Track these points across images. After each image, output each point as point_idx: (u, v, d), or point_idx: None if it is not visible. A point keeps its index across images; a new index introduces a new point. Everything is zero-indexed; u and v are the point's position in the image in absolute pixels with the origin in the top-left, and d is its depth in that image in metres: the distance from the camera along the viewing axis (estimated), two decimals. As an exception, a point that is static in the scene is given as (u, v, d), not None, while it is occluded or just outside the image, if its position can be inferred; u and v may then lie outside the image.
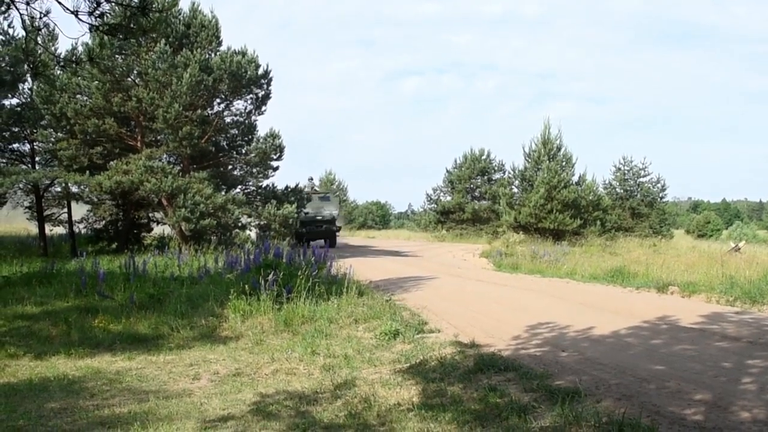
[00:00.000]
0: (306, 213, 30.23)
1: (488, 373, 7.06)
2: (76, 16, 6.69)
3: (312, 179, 36.53)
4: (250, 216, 24.58)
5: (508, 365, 7.32)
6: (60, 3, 6.56)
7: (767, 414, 5.52)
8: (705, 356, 7.67)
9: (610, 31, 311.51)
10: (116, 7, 6.99)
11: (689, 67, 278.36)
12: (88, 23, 6.85)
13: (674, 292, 13.77)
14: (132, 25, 7.06)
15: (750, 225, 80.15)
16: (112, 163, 23.03)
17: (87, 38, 22.85)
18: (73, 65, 17.92)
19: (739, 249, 22.53)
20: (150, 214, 27.65)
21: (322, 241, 32.51)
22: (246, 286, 11.34)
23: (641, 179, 38.79)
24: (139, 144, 23.90)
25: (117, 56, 22.70)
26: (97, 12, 6.67)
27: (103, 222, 27.39)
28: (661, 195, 39.33)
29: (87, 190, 23.91)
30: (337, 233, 35.18)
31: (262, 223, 24.89)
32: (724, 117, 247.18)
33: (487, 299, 13.30)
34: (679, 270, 16.07)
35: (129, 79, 23.49)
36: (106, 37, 8.38)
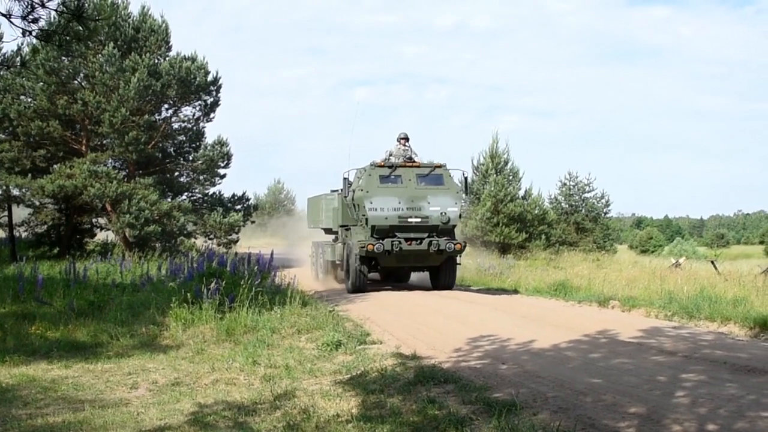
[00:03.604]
0: (376, 210, 16.70)
1: (428, 385, 7.09)
2: (9, 19, 6.56)
3: (406, 136, 18.43)
4: (195, 224, 24.36)
5: (448, 377, 7.37)
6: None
7: (697, 427, 5.63)
8: (641, 370, 7.80)
9: (559, 47, 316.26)
10: (52, 13, 6.86)
11: (635, 84, 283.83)
12: (21, 28, 6.72)
13: (615, 307, 13.98)
14: (67, 32, 6.94)
15: (690, 241, 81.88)
16: (55, 166, 22.71)
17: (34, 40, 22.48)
18: (7, 68, 17.61)
19: (680, 265, 22.96)
20: (93, 220, 27.19)
21: (422, 272, 19.01)
22: (188, 294, 11.22)
23: (586, 194, 39.26)
24: (84, 148, 23.56)
25: (63, 58, 22.34)
26: (31, 17, 6.54)
27: (45, 226, 26.83)
28: (605, 210, 39.85)
29: (29, 193, 23.49)
30: (459, 256, 17.80)
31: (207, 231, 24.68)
32: (667, 134, 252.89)
33: (430, 311, 13.35)
34: (620, 285, 16.31)
35: (75, 81, 23.21)
36: (39, 43, 8.18)
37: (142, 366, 8.85)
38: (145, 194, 21.95)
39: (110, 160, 24.15)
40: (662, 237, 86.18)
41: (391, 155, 18.07)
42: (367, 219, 16.73)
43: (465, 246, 17.63)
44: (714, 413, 6.00)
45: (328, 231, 21.02)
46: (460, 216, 18.39)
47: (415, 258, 17.29)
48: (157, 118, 24.55)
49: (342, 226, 18.91)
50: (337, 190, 19.50)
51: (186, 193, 26.31)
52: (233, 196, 26.44)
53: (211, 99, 25.29)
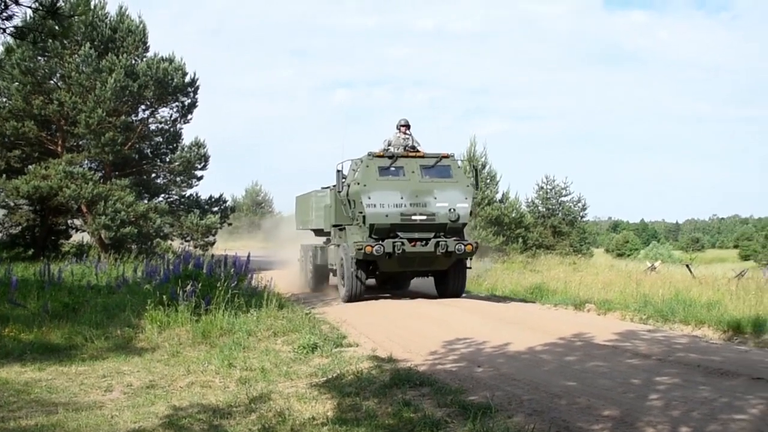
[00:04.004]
0: (375, 207, 14.97)
1: (404, 388, 7.10)
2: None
3: (407, 123, 16.79)
4: (172, 225, 24.22)
5: (423, 380, 7.39)
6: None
7: (670, 430, 5.68)
8: (616, 373, 7.85)
9: (541, 50, 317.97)
10: (28, 11, 6.80)
11: (615, 88, 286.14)
12: (-5, 25, 6.65)
13: (590, 310, 14.08)
14: (42, 29, 6.88)
15: (666, 245, 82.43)
16: (30, 167, 22.52)
17: (9, 39, 22.30)
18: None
19: (655, 268, 23.15)
20: (69, 221, 26.91)
21: (426, 277, 17.19)
22: (164, 296, 11.15)
23: (563, 198, 39.45)
24: (59, 149, 23.36)
25: (39, 58, 22.16)
26: (5, 14, 6.48)
27: (20, 228, 26.52)
28: (581, 214, 40.04)
29: (3, 194, 23.19)
30: (470, 259, 16.18)
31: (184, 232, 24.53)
32: (645, 138, 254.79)
33: (406, 314, 13.35)
34: (596, 288, 16.43)
35: (51, 81, 22.99)
36: (14, 42, 8.10)
37: (116, 369, 8.80)
38: (121, 196, 21.80)
39: (86, 161, 23.96)
40: (638, 241, 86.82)
41: (389, 145, 16.40)
42: (364, 217, 15.09)
43: (477, 247, 15.91)
44: (687, 416, 6.06)
45: (318, 232, 19.22)
46: (470, 213, 16.40)
47: (420, 261, 15.55)
48: (134, 119, 24.41)
49: (335, 226, 17.09)
50: (328, 187, 17.78)
51: (163, 195, 26.15)
52: (210, 198, 26.33)
53: (189, 100, 25.18)
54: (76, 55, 21.92)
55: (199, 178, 26.01)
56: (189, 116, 25.54)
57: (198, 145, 24.97)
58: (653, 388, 7.12)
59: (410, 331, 11.32)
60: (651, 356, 8.91)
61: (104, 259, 20.42)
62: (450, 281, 16.23)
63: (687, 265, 22.04)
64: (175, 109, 25.27)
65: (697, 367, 8.11)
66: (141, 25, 24.09)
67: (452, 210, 15.16)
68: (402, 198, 15.05)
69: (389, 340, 10.29)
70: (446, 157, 15.99)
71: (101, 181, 22.67)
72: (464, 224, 15.68)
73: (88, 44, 21.76)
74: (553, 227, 38.24)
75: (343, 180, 16.16)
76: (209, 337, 10.34)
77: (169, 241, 25.89)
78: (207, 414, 6.53)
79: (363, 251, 14.65)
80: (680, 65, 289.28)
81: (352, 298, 15.42)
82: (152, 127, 25.62)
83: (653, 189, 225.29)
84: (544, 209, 39.15)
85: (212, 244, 25.70)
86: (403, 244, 14.81)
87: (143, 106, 24.65)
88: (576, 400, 6.59)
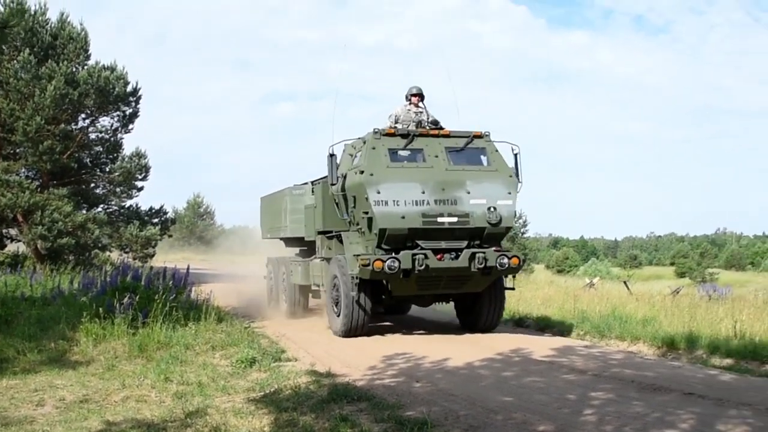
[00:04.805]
0: (387, 204, 11.22)
1: (341, 403, 7.09)
2: None
3: (420, 92, 12.88)
4: (110, 236, 23.83)
5: (361, 395, 7.39)
6: None
7: (603, 446, 5.78)
8: (552, 388, 7.95)
9: (482, 68, 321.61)
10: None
11: (555, 107, 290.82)
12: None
13: (529, 325, 14.23)
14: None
15: (605, 262, 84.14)
16: (-36, 175, 21.95)
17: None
18: None
19: (594, 285, 23.52)
20: (4, 231, 26.31)
21: (447, 302, 13.52)
22: (100, 308, 10.95)
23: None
24: (-5, 156, 22.85)
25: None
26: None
27: (-48, 237, 25.92)
28: (522, 230, 40.59)
29: (-65, 201, 22.63)
30: (513, 277, 12.59)
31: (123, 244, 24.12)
32: (585, 157, 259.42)
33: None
34: (535, 304, 16.60)
35: (-13, 88, 22.49)
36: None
37: (49, 382, 8.60)
38: (58, 205, 21.38)
39: (23, 170, 23.41)
40: (578, 257, 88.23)
41: (396, 121, 12.57)
42: (370, 219, 11.26)
43: (524, 261, 12.37)
44: (620, 431, 6.16)
45: (291, 242, 15.85)
46: (515, 214, 12.22)
47: (448, 282, 11.60)
48: (74, 127, 23.94)
49: (322, 233, 13.22)
50: (311, 182, 14.14)
51: (102, 205, 25.69)
52: (151, 209, 25.96)
53: (130, 110, 24.80)
54: (15, 61, 21.49)
55: (140, 189, 25.64)
56: (130, 126, 25.16)
57: (139, 155, 24.63)
58: (588, 403, 7.23)
59: (348, 345, 11.30)
60: (587, 372, 9.04)
61: (40, 269, 20.01)
62: (484, 308, 12.46)
63: (625, 282, 22.49)
64: (116, 119, 24.87)
65: (632, 383, 8.26)
66: (83, 33, 23.69)
67: (492, 209, 11.37)
68: (423, 192, 11.25)
69: (328, 355, 10.27)
70: (479, 136, 12.21)
71: (38, 190, 22.20)
72: (508, 229, 11.85)
73: (27, 50, 21.34)
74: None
75: (337, 168, 12.21)
76: (146, 350, 10.18)
77: (108, 253, 25.52)
78: (141, 429, 6.43)
79: (370, 268, 10.81)
80: (619, 86, 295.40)
81: (351, 331, 11.82)
82: (92, 136, 25.16)
83: (593, 207, 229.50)
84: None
85: (152, 256, 25.36)
86: (426, 257, 11.02)
87: (83, 115, 24.21)
88: (512, 416, 6.66)
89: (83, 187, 24.96)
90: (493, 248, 11.52)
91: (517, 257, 11.56)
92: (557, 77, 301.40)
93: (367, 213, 11.30)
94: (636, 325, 12.75)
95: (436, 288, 11.82)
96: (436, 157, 11.66)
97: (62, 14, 23.66)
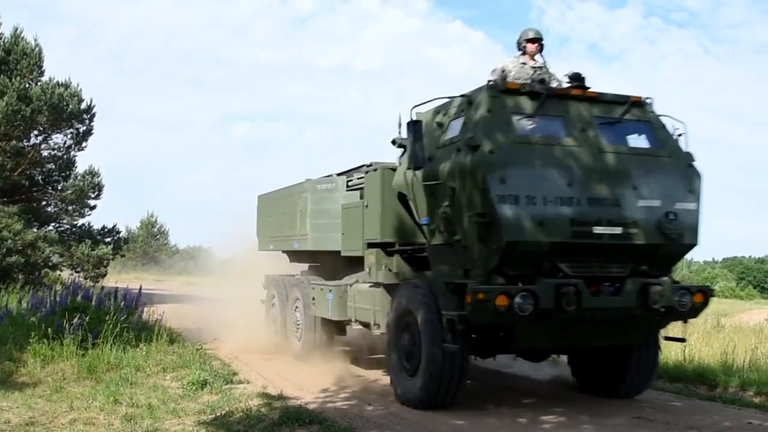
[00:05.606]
0: (517, 203, 6.99)
1: (292, 426, 7.07)
2: None
3: (539, 37, 8.48)
4: (61, 255, 23.48)
5: (313, 418, 7.36)
6: None
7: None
8: (505, 412, 8.01)
9: (439, 93, 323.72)
10: None
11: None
12: None
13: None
14: None
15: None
16: None
17: None
18: None
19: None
20: (-50, 248, 25.86)
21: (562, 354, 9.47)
22: (49, 329, 10.77)
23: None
24: (-57, 173, 22.42)
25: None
26: None
27: None
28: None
29: None
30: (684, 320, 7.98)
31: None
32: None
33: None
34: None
35: (-63, 103, 22.10)
36: None
37: (-6, 404, 8.44)
38: (8, 223, 21.03)
39: (-28, 187, 23.09)
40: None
41: (505, 78, 8.38)
42: (488, 225, 7.17)
43: (711, 296, 7.83)
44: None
45: (296, 256, 12.56)
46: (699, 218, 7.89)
47: (604, 329, 7.76)
48: (26, 144, 23.61)
49: (375, 246, 9.29)
50: (346, 172, 11.03)
51: (53, 224, 25.35)
52: (103, 228, 25.62)
53: (84, 127, 24.51)
54: (-35, 76, 21.19)
55: (92, 208, 25.36)
56: (84, 143, 24.86)
57: (92, 173, 24.37)
58: (539, 427, 7.29)
59: (301, 368, 11.22)
60: (540, 395, 9.12)
61: (-13, 288, 19.61)
62: (632, 365, 8.52)
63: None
64: (69, 136, 24.57)
65: (582, 406, 8.35)
66: (36, 49, 23.41)
67: (671, 216, 7.52)
68: (570, 185, 7.32)
69: (281, 377, 10.21)
70: (639, 103, 8.23)
71: (-13, 207, 21.85)
72: (692, 246, 7.87)
73: (-22, 66, 21.09)
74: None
75: (419, 141, 7.87)
76: (95, 372, 10.03)
77: (58, 272, 25.09)
78: (88, 452, 6.33)
79: (489, 306, 6.88)
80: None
81: (435, 401, 7.93)
82: (44, 153, 24.83)
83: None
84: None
85: (104, 275, 24.95)
86: (577, 290, 7.03)
87: (36, 132, 23.86)
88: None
89: (34, 204, 24.61)
90: (667, 277, 7.77)
91: (703, 292, 7.77)
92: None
93: (483, 215, 7.17)
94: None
95: (588, 339, 7.90)
96: (583, 131, 7.72)
97: (16, 29, 23.40)
